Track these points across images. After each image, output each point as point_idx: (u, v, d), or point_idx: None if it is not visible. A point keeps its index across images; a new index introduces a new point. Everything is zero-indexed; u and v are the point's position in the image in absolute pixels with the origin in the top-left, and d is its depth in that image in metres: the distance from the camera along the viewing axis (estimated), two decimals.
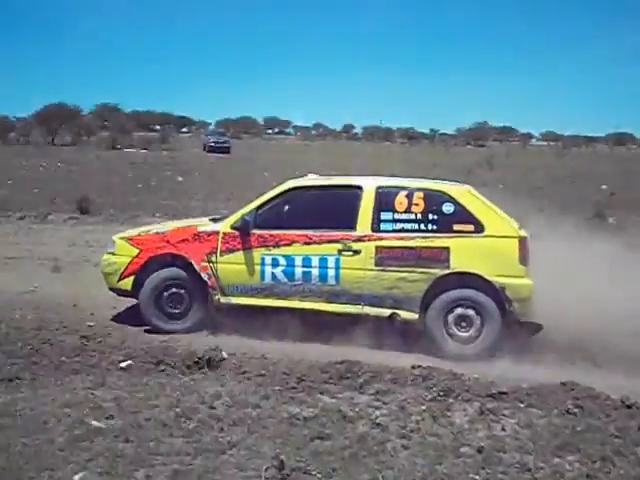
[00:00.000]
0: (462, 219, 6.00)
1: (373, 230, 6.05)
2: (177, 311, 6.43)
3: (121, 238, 6.74)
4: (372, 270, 6.00)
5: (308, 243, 6.15)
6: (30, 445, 3.67)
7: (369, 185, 6.29)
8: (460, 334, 5.94)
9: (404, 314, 6.01)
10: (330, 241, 6.10)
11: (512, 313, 5.83)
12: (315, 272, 6.11)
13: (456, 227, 5.98)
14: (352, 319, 6.06)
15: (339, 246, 6.07)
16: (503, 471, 3.57)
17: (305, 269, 6.13)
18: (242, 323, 6.18)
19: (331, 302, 6.13)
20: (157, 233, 6.68)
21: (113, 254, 6.68)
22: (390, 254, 5.97)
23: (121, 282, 6.57)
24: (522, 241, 5.91)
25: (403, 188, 6.21)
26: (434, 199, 6.11)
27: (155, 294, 6.39)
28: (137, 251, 6.52)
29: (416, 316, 6.01)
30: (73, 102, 41.88)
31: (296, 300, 6.19)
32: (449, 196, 6.11)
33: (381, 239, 6.01)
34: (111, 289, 6.76)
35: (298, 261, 6.14)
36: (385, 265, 5.97)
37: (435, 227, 6.01)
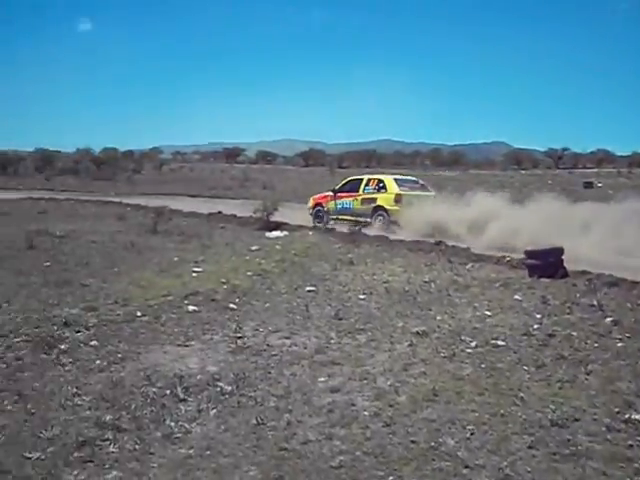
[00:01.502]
0: (383, 187, 17.01)
1: (362, 192, 17.47)
2: (320, 219, 18.37)
3: (312, 197, 19.65)
4: (360, 205, 17.47)
5: (347, 197, 17.93)
6: None
7: (366, 177, 18.35)
8: (378, 224, 16.42)
9: (368, 220, 16.74)
10: (351, 196, 17.82)
11: (390, 217, 16.48)
12: (347, 206, 17.82)
13: (381, 190, 17.01)
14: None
15: (353, 198, 17.72)
16: None
17: (346, 205, 17.89)
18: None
19: (351, 216, 17.18)
20: (317, 195, 19.62)
21: (307, 203, 19.82)
22: (364, 199, 17.34)
23: (309, 211, 19.23)
24: (397, 195, 16.50)
25: (373, 178, 17.78)
26: (378, 181, 17.38)
27: (315, 214, 18.90)
28: (312, 201, 19.44)
29: (370, 220, 16.77)
30: None
31: (344, 216, 17.49)
32: (382, 180, 17.36)
33: (364, 195, 17.40)
34: (310, 214, 18.97)
35: (345, 202, 17.95)
36: (363, 203, 17.35)
37: (376, 190, 17.16)
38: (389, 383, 5.56)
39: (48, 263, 10.97)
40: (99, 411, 4.87)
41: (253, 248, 13.13)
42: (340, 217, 17.56)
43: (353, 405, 5.07)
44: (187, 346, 6.68)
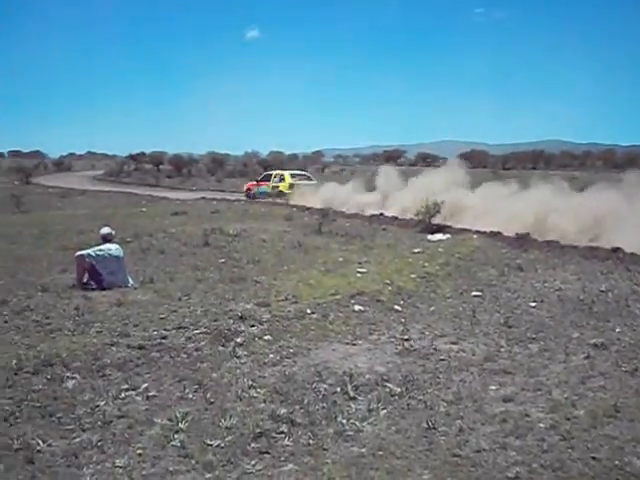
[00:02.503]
0: (283, 179, 30.68)
1: (272, 182, 30.97)
2: (249, 197, 30.92)
3: (246, 184, 34.80)
4: (271, 190, 30.19)
5: (264, 185, 31.33)
6: None
7: (274, 172, 33.06)
8: (280, 200, 27.42)
9: (276, 199, 28.19)
10: (266, 184, 31.14)
11: (286, 197, 27.71)
12: (264, 190, 30.69)
13: (281, 181, 30.60)
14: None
15: (267, 185, 31.08)
16: None
17: (263, 190, 30.88)
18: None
19: (266, 196, 29.41)
20: (249, 182, 34.68)
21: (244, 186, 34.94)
22: (273, 186, 30.38)
23: (244, 193, 32.74)
24: (290, 184, 29.60)
25: (278, 173, 32.25)
26: (280, 175, 31.47)
27: (247, 195, 31.98)
28: (246, 186, 33.71)
29: (277, 199, 28.22)
30: None
31: (262, 196, 29.83)
32: (283, 174, 31.55)
33: (272, 184, 30.69)
34: (244, 195, 32.15)
35: (263, 188, 31.11)
36: (272, 189, 30.12)
37: (279, 181, 30.73)
38: (565, 396, 5.29)
39: (223, 260, 11.70)
40: (274, 404, 5.08)
41: (415, 250, 13.10)
42: (260, 198, 29.00)
43: (527, 416, 4.88)
44: (355, 345, 6.80)
